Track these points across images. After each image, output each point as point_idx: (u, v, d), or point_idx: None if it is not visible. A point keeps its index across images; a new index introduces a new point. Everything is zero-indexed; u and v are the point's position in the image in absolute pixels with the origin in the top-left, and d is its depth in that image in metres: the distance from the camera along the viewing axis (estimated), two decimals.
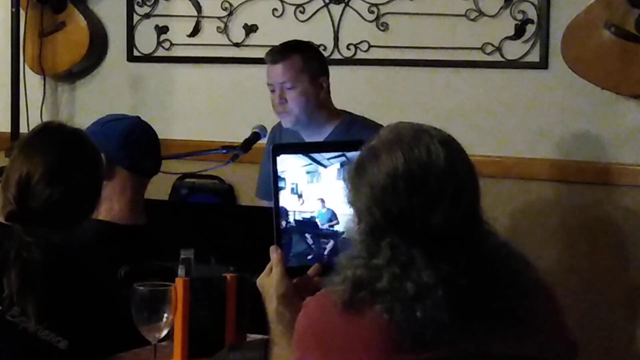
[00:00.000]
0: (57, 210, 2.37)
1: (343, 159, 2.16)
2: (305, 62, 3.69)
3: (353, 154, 2.11)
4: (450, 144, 1.86)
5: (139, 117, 2.98)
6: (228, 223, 3.66)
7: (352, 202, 1.88)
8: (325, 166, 2.17)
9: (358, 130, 3.62)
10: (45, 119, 4.77)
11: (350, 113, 3.77)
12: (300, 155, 2.18)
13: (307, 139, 3.72)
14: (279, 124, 3.87)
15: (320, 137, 3.70)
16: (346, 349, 1.79)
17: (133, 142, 2.85)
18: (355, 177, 1.87)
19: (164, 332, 2.27)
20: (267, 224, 2.16)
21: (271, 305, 2.09)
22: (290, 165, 2.16)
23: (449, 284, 1.77)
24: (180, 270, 2.38)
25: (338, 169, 2.16)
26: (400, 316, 1.76)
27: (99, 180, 2.53)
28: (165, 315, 2.25)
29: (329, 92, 3.74)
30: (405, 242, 1.80)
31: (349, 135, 3.62)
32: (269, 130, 3.87)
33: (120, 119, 2.94)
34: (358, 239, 1.86)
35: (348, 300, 1.79)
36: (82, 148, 2.49)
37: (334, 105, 3.76)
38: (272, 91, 3.71)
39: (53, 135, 2.48)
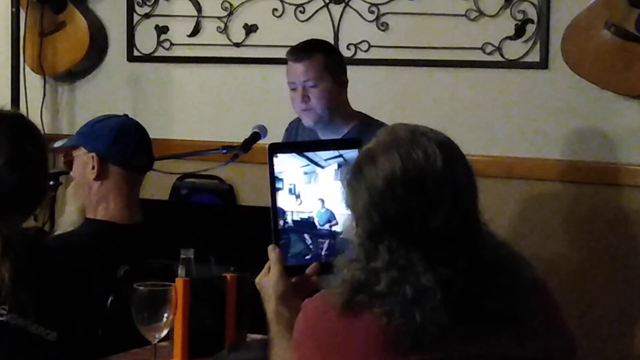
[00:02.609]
0: (26, 193, 2.37)
1: (340, 159, 2.17)
2: (328, 61, 3.70)
3: (350, 155, 2.11)
4: (447, 147, 1.85)
5: (126, 115, 2.98)
6: (228, 223, 3.66)
7: (349, 205, 1.88)
8: (322, 167, 2.17)
9: (374, 132, 3.60)
10: (45, 119, 4.78)
11: (366, 115, 3.76)
12: (298, 156, 2.18)
13: (324, 138, 3.71)
14: (296, 121, 3.87)
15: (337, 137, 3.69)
16: (345, 351, 1.79)
17: (123, 139, 2.85)
18: (352, 180, 1.86)
19: (164, 332, 2.27)
20: (266, 224, 2.16)
21: (270, 305, 2.09)
22: (287, 166, 2.16)
23: (447, 287, 1.77)
24: (180, 270, 2.38)
25: (335, 170, 2.16)
26: (399, 319, 1.76)
27: (47, 156, 2.52)
28: (165, 315, 2.25)
29: (346, 92, 3.75)
30: (403, 245, 1.80)
31: (365, 137, 3.60)
32: (268, 130, 3.86)
33: (108, 118, 2.94)
34: (356, 242, 1.85)
35: (346, 302, 1.79)
36: (31, 127, 2.48)
37: (350, 106, 3.77)
38: (294, 89, 3.70)
39: (1, 121, 2.46)
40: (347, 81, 3.74)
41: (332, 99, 3.68)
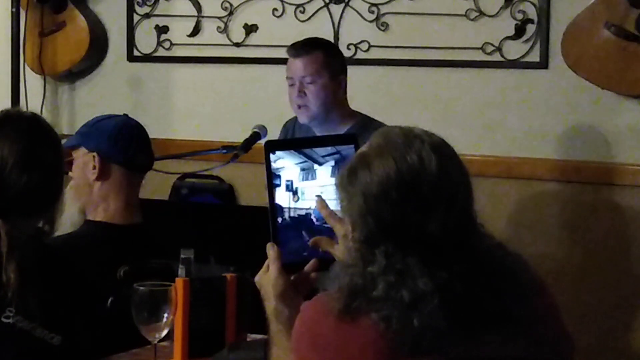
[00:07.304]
0: (35, 196, 2.37)
1: (337, 156, 2.17)
2: (327, 58, 3.71)
3: (348, 152, 2.12)
4: (442, 149, 1.84)
5: (126, 115, 2.98)
6: (228, 223, 3.66)
7: (345, 210, 1.87)
8: (320, 164, 2.17)
9: (372, 132, 3.60)
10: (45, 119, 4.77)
11: (364, 115, 3.77)
12: (295, 153, 2.17)
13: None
14: (293, 120, 3.88)
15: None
16: (343, 357, 1.78)
17: (125, 138, 2.85)
18: (347, 185, 1.85)
19: (164, 332, 2.27)
20: (266, 223, 2.16)
21: (269, 303, 2.09)
22: (285, 163, 2.16)
23: (445, 291, 1.76)
24: (180, 270, 2.38)
25: (332, 167, 2.16)
26: (397, 324, 1.75)
27: (63, 161, 2.52)
28: (165, 315, 2.25)
29: (345, 92, 3.76)
30: (400, 250, 1.79)
31: (362, 137, 3.61)
32: (268, 130, 3.86)
33: (108, 118, 2.94)
34: (352, 246, 1.85)
35: (343, 308, 1.78)
36: (47, 130, 2.48)
37: (349, 106, 3.77)
38: (291, 85, 3.72)
39: (16, 122, 2.46)
40: (345, 81, 3.75)
41: (328, 97, 3.69)
